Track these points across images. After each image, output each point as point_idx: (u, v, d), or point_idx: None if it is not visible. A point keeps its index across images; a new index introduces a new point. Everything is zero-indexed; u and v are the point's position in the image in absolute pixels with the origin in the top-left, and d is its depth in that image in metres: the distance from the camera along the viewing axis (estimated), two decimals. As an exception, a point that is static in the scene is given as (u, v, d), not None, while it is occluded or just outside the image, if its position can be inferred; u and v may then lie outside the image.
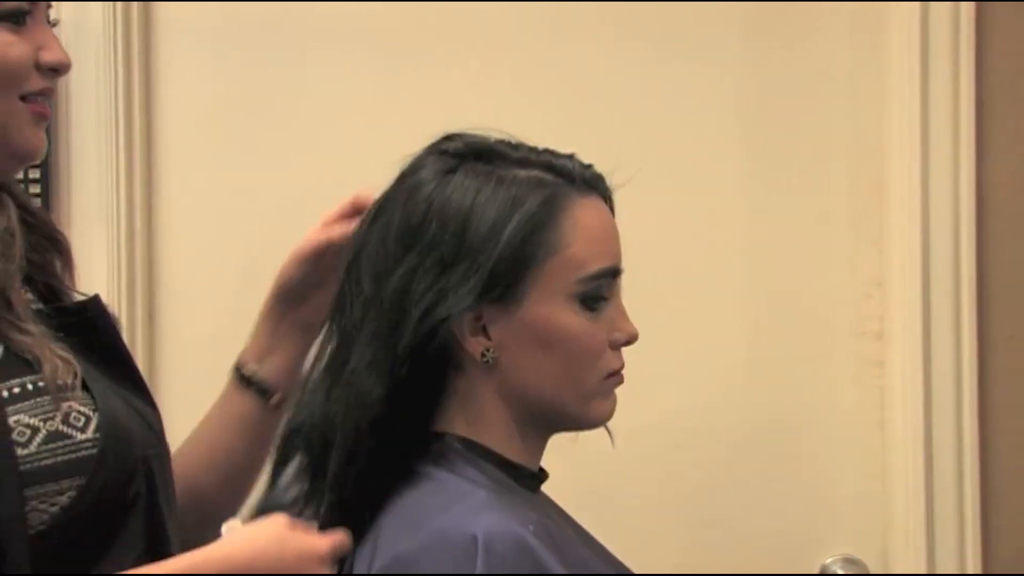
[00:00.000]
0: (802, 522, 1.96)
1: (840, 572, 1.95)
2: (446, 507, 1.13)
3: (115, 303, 1.88)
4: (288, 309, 1.39)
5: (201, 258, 2.00)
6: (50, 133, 1.37)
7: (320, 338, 1.25)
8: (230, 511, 1.37)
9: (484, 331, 1.17)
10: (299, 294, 1.38)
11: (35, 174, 1.88)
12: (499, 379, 1.18)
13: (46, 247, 1.28)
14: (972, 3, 1.91)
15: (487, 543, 1.08)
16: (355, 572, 1.16)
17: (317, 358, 1.24)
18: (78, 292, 1.32)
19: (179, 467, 1.29)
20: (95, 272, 1.87)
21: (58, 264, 1.28)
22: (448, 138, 1.23)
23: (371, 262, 1.20)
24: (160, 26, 1.99)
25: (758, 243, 1.98)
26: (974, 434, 1.90)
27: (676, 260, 1.95)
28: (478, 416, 1.19)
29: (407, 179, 1.21)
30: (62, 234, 1.30)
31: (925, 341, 1.90)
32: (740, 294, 1.98)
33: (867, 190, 1.96)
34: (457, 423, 1.20)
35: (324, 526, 1.18)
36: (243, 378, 1.40)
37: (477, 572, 1.06)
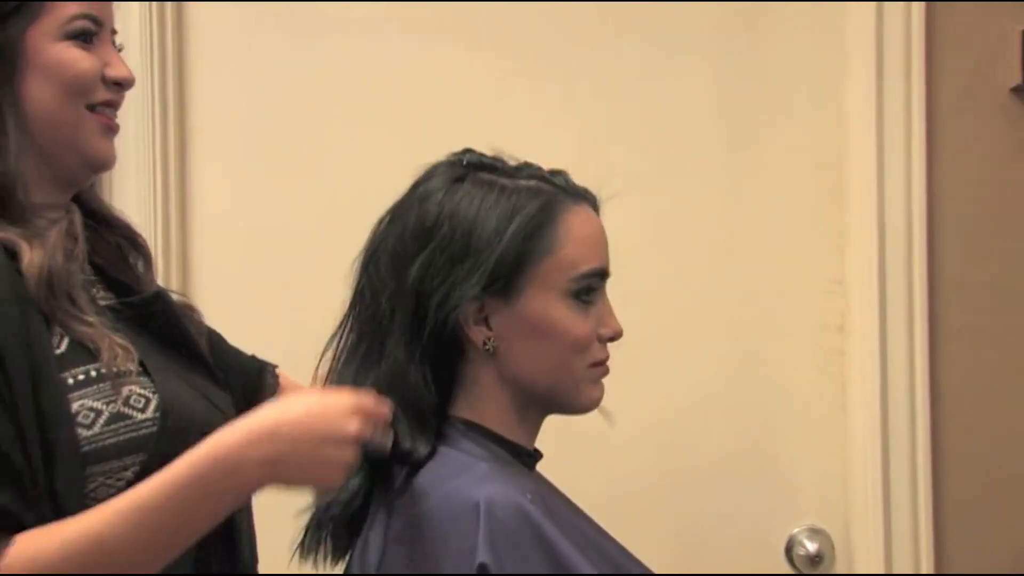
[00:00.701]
0: (772, 496, 2.01)
1: (806, 540, 2.00)
2: (450, 478, 1.18)
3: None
4: None
5: (235, 263, 2.01)
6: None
7: (335, 331, 1.28)
8: None
9: (486, 322, 1.23)
10: None
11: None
12: (498, 366, 1.24)
13: (128, 249, 1.35)
14: (922, 3, 1.93)
15: (488, 508, 1.13)
16: (369, 538, 1.21)
17: (338, 349, 1.28)
18: (165, 290, 1.38)
19: None
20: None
21: (140, 263, 1.36)
22: (457, 153, 1.29)
23: (390, 259, 1.24)
24: (192, 30, 1.99)
25: (730, 245, 2.02)
26: (926, 417, 1.95)
27: (651, 261, 1.98)
28: (479, 399, 1.25)
29: (420, 187, 1.26)
30: (142, 237, 1.38)
31: (882, 333, 1.95)
32: (713, 292, 2.01)
33: (828, 197, 2.00)
34: (461, 406, 1.26)
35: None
36: None
37: (479, 535, 1.12)
